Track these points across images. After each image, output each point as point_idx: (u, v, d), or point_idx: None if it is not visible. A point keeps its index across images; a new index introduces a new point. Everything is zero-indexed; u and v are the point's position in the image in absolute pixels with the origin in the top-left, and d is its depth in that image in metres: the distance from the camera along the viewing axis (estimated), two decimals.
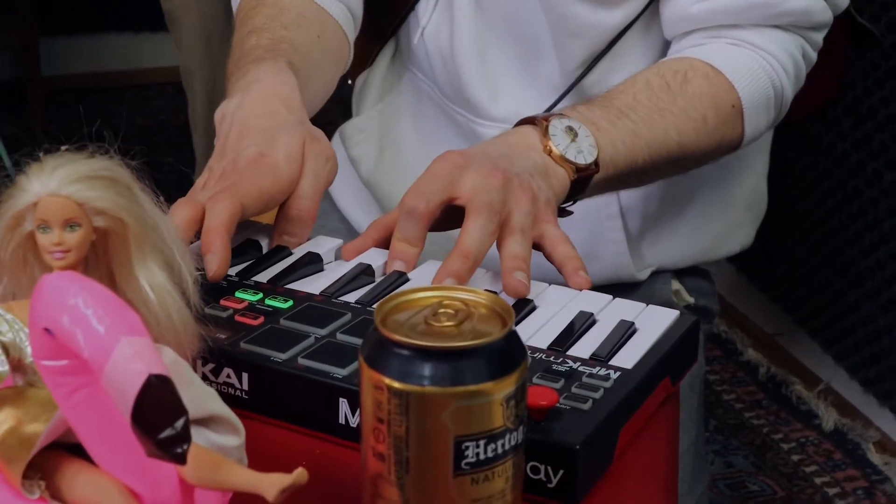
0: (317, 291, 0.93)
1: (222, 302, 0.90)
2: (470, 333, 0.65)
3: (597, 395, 0.81)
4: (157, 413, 0.60)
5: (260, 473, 0.66)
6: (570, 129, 1.06)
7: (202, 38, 2.34)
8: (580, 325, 0.90)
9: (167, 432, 0.60)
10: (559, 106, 1.27)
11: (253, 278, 0.95)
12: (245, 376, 0.84)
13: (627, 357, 0.86)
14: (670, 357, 0.89)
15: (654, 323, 0.92)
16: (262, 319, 0.88)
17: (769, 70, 1.19)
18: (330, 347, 0.85)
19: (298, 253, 1.00)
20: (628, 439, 0.83)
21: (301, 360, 0.83)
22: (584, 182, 1.06)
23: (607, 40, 1.25)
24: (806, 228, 2.18)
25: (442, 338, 0.65)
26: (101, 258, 0.74)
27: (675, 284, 1.37)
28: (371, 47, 1.44)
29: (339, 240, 1.04)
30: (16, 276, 0.75)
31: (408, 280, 0.96)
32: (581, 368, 0.84)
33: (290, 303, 0.91)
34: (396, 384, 0.64)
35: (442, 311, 0.66)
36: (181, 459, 0.61)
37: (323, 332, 0.87)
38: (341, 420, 0.82)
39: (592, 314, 0.92)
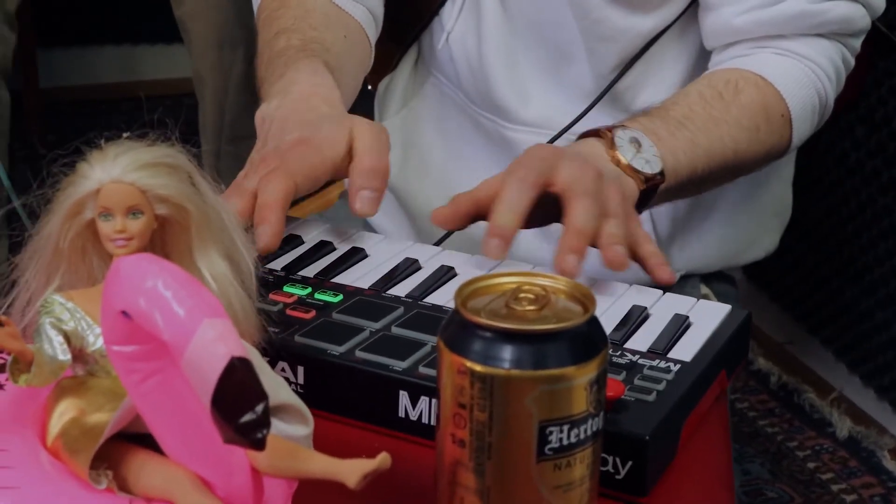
0: (365, 286, 0.92)
1: (271, 296, 0.89)
2: (552, 318, 0.64)
3: (660, 387, 0.80)
4: (238, 397, 0.59)
5: (338, 460, 0.65)
6: (635, 139, 1.06)
7: (214, 45, 2.32)
8: (635, 318, 0.89)
9: (247, 417, 0.59)
10: (594, 110, 1.25)
11: (299, 273, 0.94)
12: (300, 370, 0.83)
13: (685, 350, 0.86)
14: (726, 351, 0.89)
15: (707, 317, 0.91)
16: (313, 313, 0.87)
17: (814, 79, 1.19)
18: (386, 340, 0.84)
19: (342, 248, 0.99)
20: (690, 432, 0.82)
21: (359, 353, 0.82)
22: (651, 192, 1.06)
23: (640, 45, 1.24)
24: (819, 236, 2.18)
25: (525, 321, 0.63)
26: (157, 248, 0.73)
27: (704, 289, 1.37)
28: (392, 52, 1.43)
29: (381, 235, 1.03)
30: (74, 265, 0.74)
31: (456, 275, 0.95)
32: (641, 361, 0.83)
33: (340, 297, 0.90)
34: (480, 368, 0.62)
35: (522, 295, 0.65)
36: (260, 445, 0.59)
37: (377, 325, 0.86)
38: (401, 413, 0.80)
39: (646, 308, 0.91)
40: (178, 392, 0.63)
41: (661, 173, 1.06)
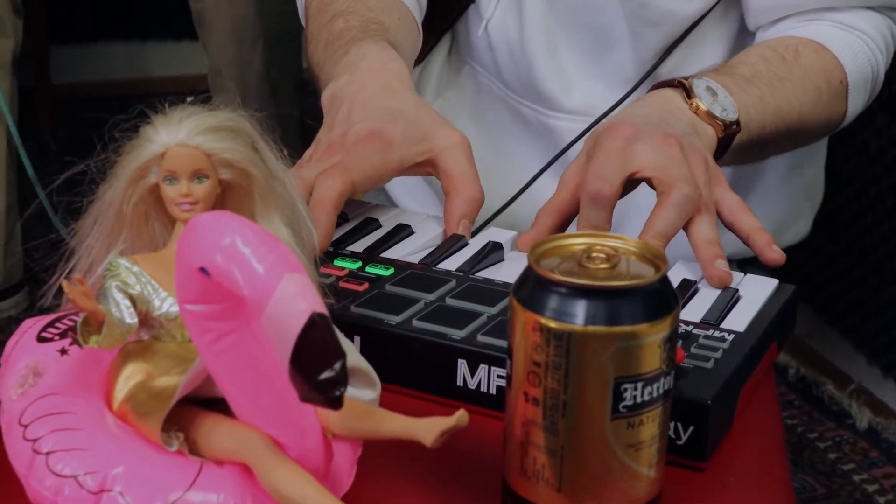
0: (415, 260, 0.92)
1: (322, 270, 0.89)
2: (626, 276, 0.64)
3: (717, 355, 0.80)
4: (318, 353, 0.58)
5: (413, 419, 0.65)
6: (710, 88, 1.05)
7: (233, 40, 2.32)
8: (685, 291, 0.89)
9: (326, 374, 0.58)
10: (634, 96, 1.25)
11: (347, 248, 0.94)
12: (357, 340, 0.83)
13: (737, 321, 0.86)
14: (777, 323, 0.89)
15: (756, 291, 0.91)
16: (367, 286, 0.87)
17: (866, 50, 1.19)
18: (442, 310, 0.84)
19: (388, 225, 0.99)
20: (746, 400, 0.83)
21: (416, 323, 0.82)
22: (727, 142, 1.05)
23: (683, 28, 1.23)
24: (838, 226, 2.18)
25: (600, 278, 0.64)
26: None
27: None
28: (423, 42, 1.43)
29: (425, 213, 1.03)
30: (136, 230, 0.74)
31: (504, 251, 0.95)
32: (695, 331, 0.83)
33: (392, 270, 0.90)
34: (556, 325, 0.62)
35: (594, 254, 0.65)
36: (337, 403, 0.59)
37: (431, 296, 0.86)
38: (459, 382, 0.81)
39: (695, 282, 0.91)
40: (251, 352, 0.63)
41: (738, 123, 1.05)
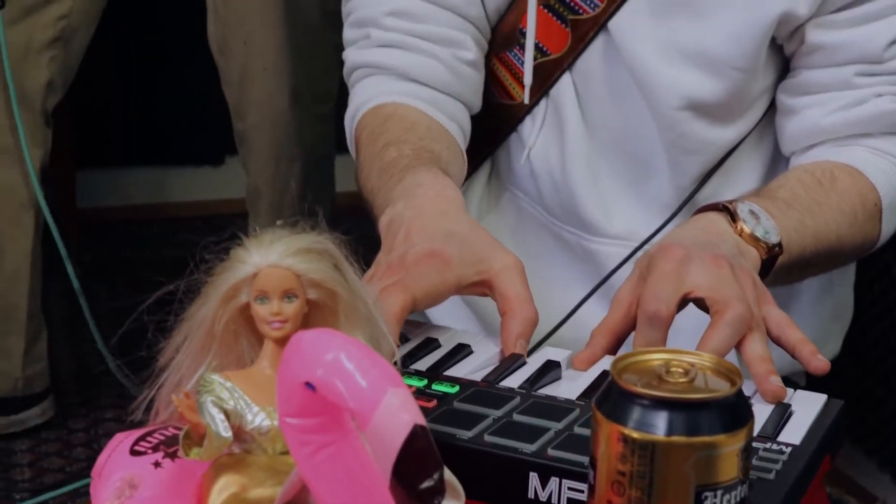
0: (477, 378, 0.96)
1: None
2: (705, 389, 0.68)
3: (777, 467, 0.83)
4: (419, 464, 0.62)
5: None
6: (752, 212, 1.10)
7: (272, 160, 2.38)
8: None
9: (426, 483, 0.62)
10: (674, 222, 1.29)
11: (411, 367, 0.98)
12: None
13: (793, 434, 0.89)
14: (829, 435, 0.92)
15: (807, 405, 0.94)
16: (434, 402, 0.90)
17: None
18: (511, 426, 0.87)
19: (447, 345, 1.02)
20: None
21: (487, 437, 0.85)
22: (770, 263, 1.10)
23: (720, 156, 1.28)
24: (860, 345, 2.20)
25: (683, 391, 0.67)
26: None
27: None
28: None
29: (482, 333, 1.07)
30: (226, 348, 0.77)
31: (561, 369, 0.98)
32: (754, 444, 0.86)
33: (458, 388, 0.93)
34: (641, 436, 0.66)
35: (673, 369, 0.69)
36: None
37: (499, 412, 0.89)
38: (531, 494, 0.83)
39: (749, 397, 0.95)
40: (349, 464, 0.67)
41: (780, 245, 1.10)
